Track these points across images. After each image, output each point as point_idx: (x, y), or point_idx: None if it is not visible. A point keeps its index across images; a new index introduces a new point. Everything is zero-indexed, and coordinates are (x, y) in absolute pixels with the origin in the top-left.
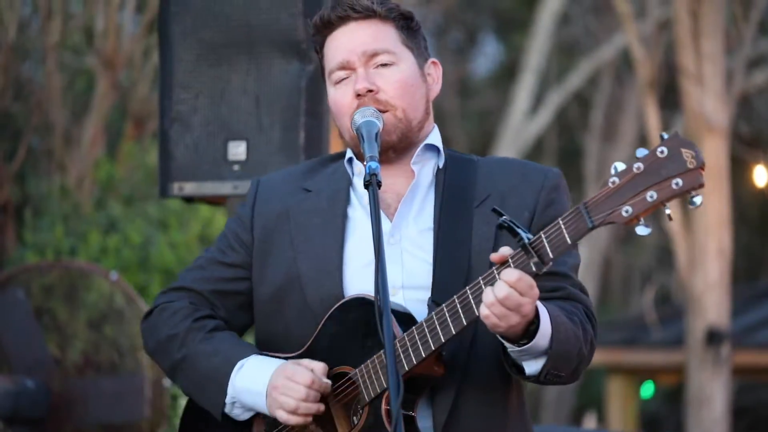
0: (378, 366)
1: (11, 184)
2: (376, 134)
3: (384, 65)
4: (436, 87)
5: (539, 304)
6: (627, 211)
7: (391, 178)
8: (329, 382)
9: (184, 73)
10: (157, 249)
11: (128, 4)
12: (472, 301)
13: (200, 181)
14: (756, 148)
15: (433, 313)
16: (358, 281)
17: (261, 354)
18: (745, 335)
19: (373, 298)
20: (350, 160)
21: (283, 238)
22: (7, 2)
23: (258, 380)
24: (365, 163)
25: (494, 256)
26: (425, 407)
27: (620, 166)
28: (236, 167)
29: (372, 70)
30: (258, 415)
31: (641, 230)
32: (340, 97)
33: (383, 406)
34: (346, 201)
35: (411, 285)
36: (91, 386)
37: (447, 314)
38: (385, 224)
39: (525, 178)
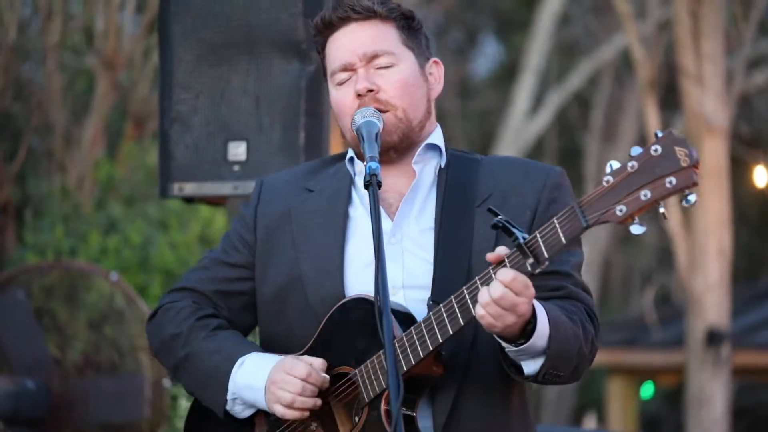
0: (377, 366)
1: (11, 185)
2: (377, 134)
3: (385, 67)
4: (437, 86)
5: (537, 303)
6: (621, 210)
7: (392, 178)
8: (327, 377)
9: (184, 73)
10: (157, 249)
11: (128, 4)
12: (469, 301)
13: (200, 182)
14: (756, 149)
15: (431, 313)
16: (359, 281)
17: (262, 351)
18: (745, 336)
19: (373, 299)
20: (351, 159)
21: (285, 238)
22: (7, 3)
23: (258, 376)
24: (365, 163)
25: (490, 256)
26: (425, 407)
27: (615, 164)
28: (236, 167)
29: (373, 71)
30: (260, 415)
31: (636, 229)
32: (341, 97)
33: (383, 406)
34: (348, 201)
35: (411, 285)
36: (92, 387)
37: (445, 314)
38: (387, 224)
39: (527, 177)
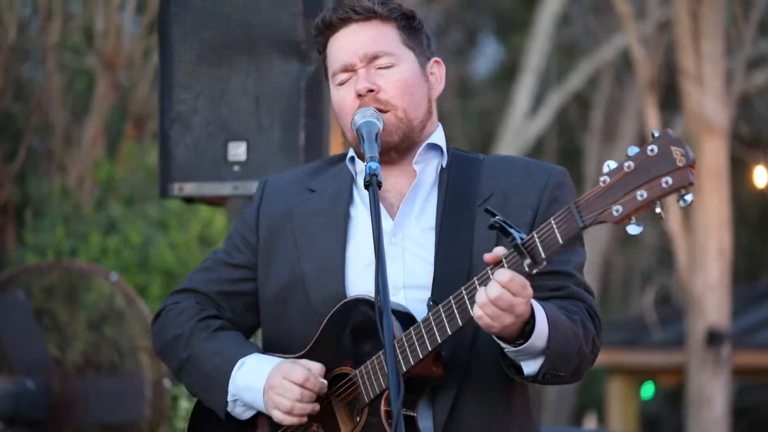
0: (377, 367)
1: (11, 185)
2: (377, 134)
3: (385, 67)
4: (438, 86)
5: (536, 303)
6: (617, 211)
7: (393, 178)
8: (325, 382)
9: (184, 73)
10: (157, 249)
11: (128, 4)
12: (467, 301)
13: (200, 182)
14: (756, 149)
15: (430, 313)
16: (360, 281)
17: (262, 353)
18: (746, 336)
19: (373, 299)
20: (352, 159)
21: (287, 238)
22: (7, 3)
23: (257, 378)
24: (366, 163)
25: (488, 257)
26: (426, 407)
27: (611, 164)
28: (236, 168)
29: (373, 71)
30: (261, 415)
31: (632, 229)
32: (342, 97)
33: (382, 407)
34: (349, 201)
35: (412, 285)
36: (92, 387)
37: (443, 315)
38: (388, 223)
39: (529, 176)
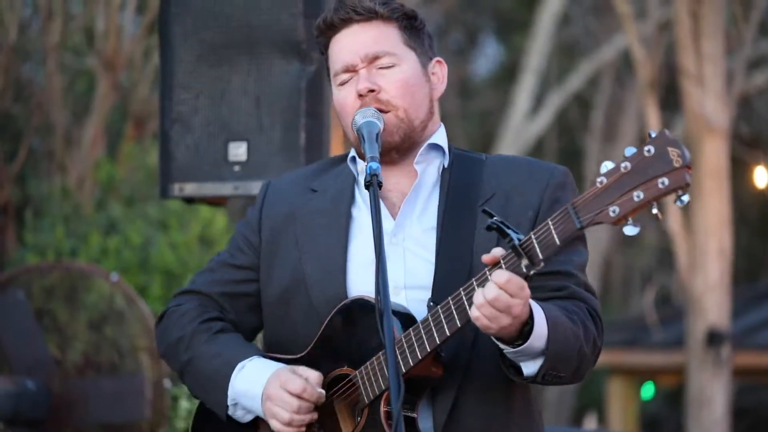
0: (377, 368)
1: (12, 185)
2: (377, 135)
3: (386, 67)
4: (440, 86)
5: (534, 304)
6: (614, 211)
7: (395, 178)
8: (322, 392)
9: (184, 73)
10: (157, 250)
11: (129, 5)
12: (465, 302)
13: (201, 182)
14: (756, 149)
15: (429, 314)
16: (361, 282)
17: (262, 356)
18: (746, 336)
19: (373, 300)
20: (354, 159)
21: (290, 239)
22: (7, 3)
23: (255, 384)
24: (366, 163)
25: (486, 258)
26: (426, 407)
27: (609, 165)
28: (237, 168)
29: (374, 71)
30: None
31: (629, 230)
32: (343, 97)
33: (382, 408)
34: (351, 201)
35: (413, 285)
36: (92, 387)
37: (442, 316)
38: (389, 224)
39: (531, 176)
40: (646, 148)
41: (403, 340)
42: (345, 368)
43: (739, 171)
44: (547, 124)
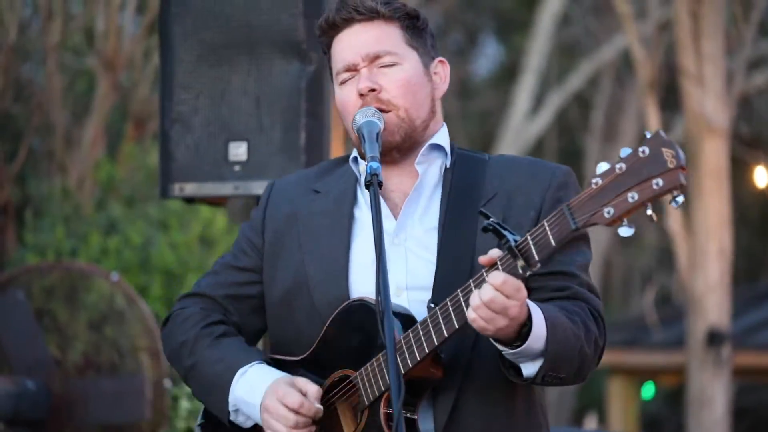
0: (377, 369)
1: (12, 185)
2: (377, 134)
3: (387, 66)
4: (443, 86)
5: (533, 305)
6: (609, 212)
7: (397, 178)
8: (320, 407)
9: (184, 73)
10: (157, 250)
11: (129, 5)
12: (463, 303)
13: (201, 182)
14: (756, 149)
15: (427, 315)
16: (363, 283)
17: (264, 361)
18: (746, 336)
19: (373, 301)
20: (355, 160)
21: (293, 240)
22: (7, 3)
23: (254, 392)
24: (366, 163)
25: (482, 259)
26: (427, 408)
27: (604, 166)
28: (237, 168)
29: (375, 70)
30: None
31: (624, 231)
32: (344, 96)
33: (382, 409)
34: (353, 202)
35: (414, 286)
36: (92, 387)
37: (440, 317)
38: (390, 224)
39: (533, 176)
40: (641, 149)
41: (402, 342)
42: (346, 369)
43: (739, 171)
44: (547, 124)
